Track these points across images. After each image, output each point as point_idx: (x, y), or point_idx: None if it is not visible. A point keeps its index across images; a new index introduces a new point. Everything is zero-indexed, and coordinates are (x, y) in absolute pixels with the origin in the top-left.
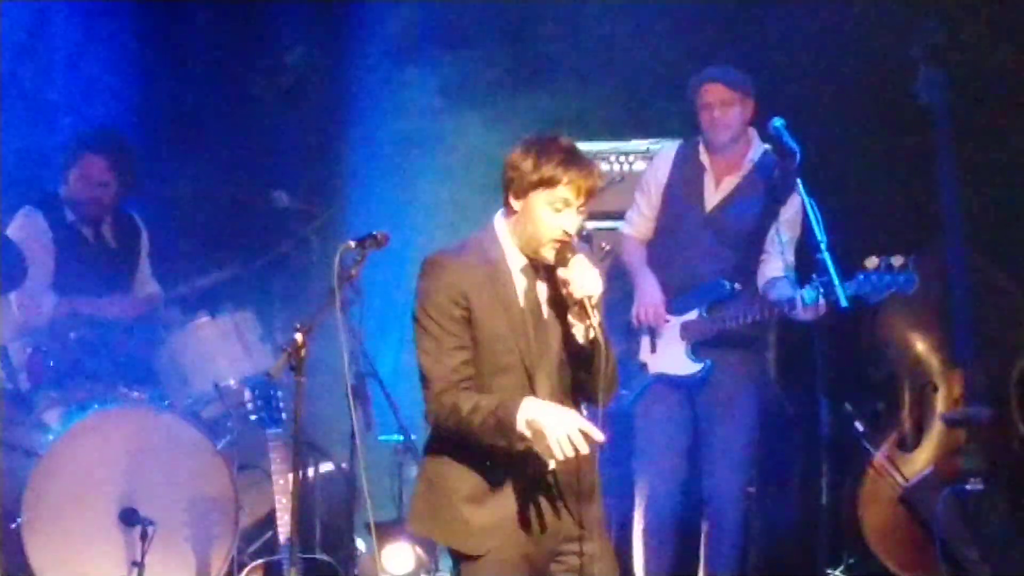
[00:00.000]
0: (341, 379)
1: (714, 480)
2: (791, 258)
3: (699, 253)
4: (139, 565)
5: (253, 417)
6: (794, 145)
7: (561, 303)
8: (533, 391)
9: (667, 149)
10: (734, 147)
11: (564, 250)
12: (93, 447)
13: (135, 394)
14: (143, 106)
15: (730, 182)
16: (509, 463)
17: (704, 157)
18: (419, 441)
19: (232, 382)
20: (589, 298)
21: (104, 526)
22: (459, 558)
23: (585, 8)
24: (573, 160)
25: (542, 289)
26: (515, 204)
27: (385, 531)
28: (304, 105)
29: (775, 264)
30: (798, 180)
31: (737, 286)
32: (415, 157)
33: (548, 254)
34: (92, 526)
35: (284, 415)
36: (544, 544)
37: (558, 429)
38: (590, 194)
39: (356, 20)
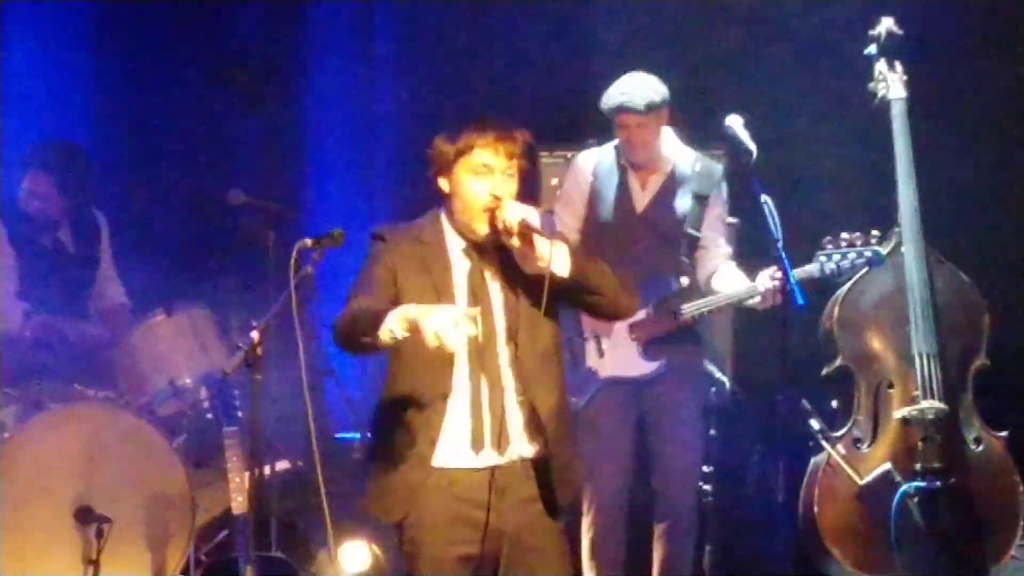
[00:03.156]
0: (297, 377)
1: (665, 480)
2: (729, 248)
3: (638, 255)
4: (94, 563)
5: (209, 415)
6: (750, 143)
7: (511, 278)
8: (449, 371)
9: (583, 157)
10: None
11: (492, 208)
12: (48, 445)
13: (91, 392)
14: (99, 105)
15: (656, 180)
16: (419, 442)
17: (625, 160)
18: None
19: (188, 380)
20: (525, 222)
21: (59, 524)
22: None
23: (549, 7)
24: (488, 124)
25: (491, 268)
26: (444, 185)
27: (342, 529)
28: (262, 103)
29: (713, 254)
30: (755, 177)
31: (684, 280)
32: (373, 155)
33: (481, 224)
34: (47, 524)
35: (240, 413)
36: (483, 544)
37: (434, 321)
38: (512, 155)
39: (315, 18)
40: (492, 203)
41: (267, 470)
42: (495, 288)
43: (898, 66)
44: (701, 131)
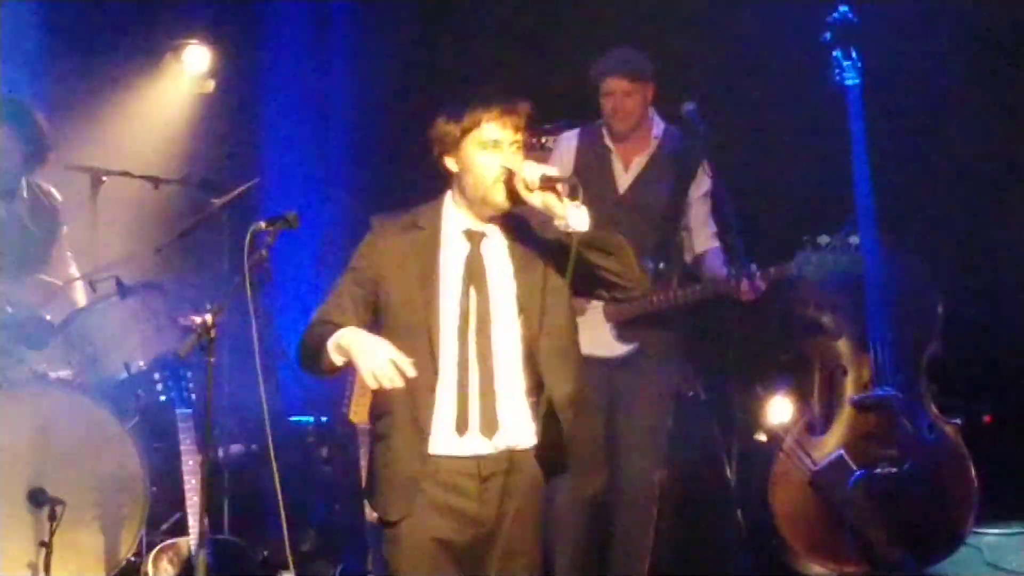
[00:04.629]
0: (251, 360)
1: (628, 463)
2: (715, 227)
3: None
4: (47, 545)
5: (163, 397)
6: (707, 129)
7: (519, 259)
8: (433, 355)
9: (567, 137)
10: (638, 129)
11: (508, 178)
12: (0, 427)
13: (44, 373)
14: (56, 82)
15: (639, 162)
16: (410, 431)
17: (608, 140)
18: (329, 423)
19: (142, 362)
20: (547, 176)
21: (11, 506)
22: (383, 526)
23: None
24: (491, 97)
25: (494, 252)
26: (452, 164)
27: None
28: (216, 81)
29: (700, 239)
30: (708, 164)
31: (662, 265)
32: (328, 136)
33: (498, 194)
34: None
35: (194, 396)
36: (468, 533)
37: (368, 359)
38: (517, 128)
39: None
40: (504, 175)
41: (220, 453)
42: (497, 271)
43: (853, 53)
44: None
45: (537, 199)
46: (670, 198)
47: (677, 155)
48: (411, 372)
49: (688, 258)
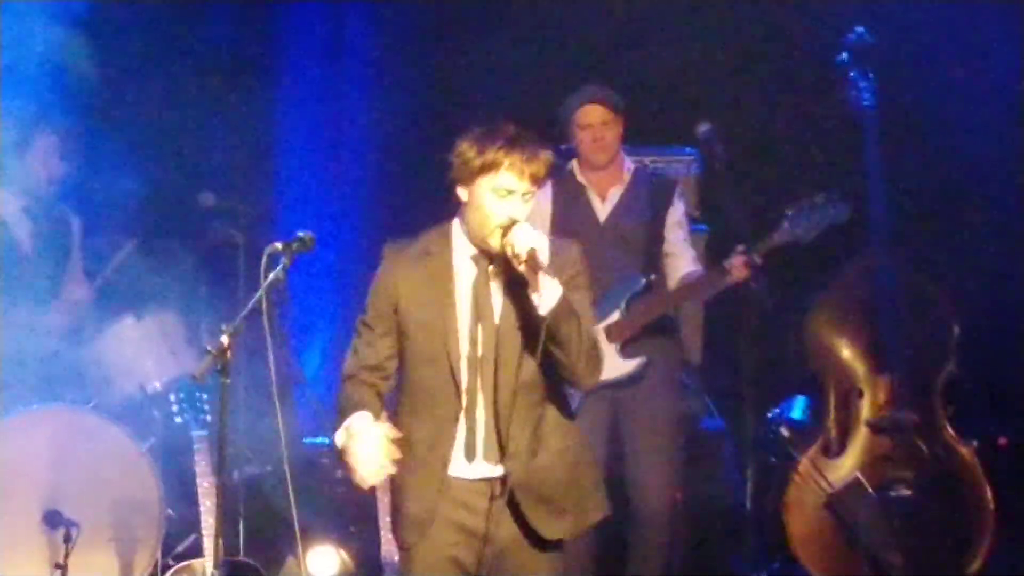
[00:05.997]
0: (267, 382)
1: (640, 490)
2: (694, 251)
3: (602, 264)
4: (62, 567)
5: (178, 419)
6: (723, 150)
7: (516, 291)
8: (456, 382)
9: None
10: (613, 162)
11: (507, 227)
12: (16, 448)
13: (60, 395)
14: (69, 105)
15: (615, 192)
16: (431, 460)
17: (581, 177)
18: None
19: (157, 384)
20: (533, 253)
21: (27, 528)
22: (399, 549)
23: (518, 12)
24: (516, 144)
25: (495, 279)
26: (462, 194)
27: (310, 534)
28: (233, 104)
29: (682, 261)
30: (727, 184)
31: (653, 277)
32: (344, 157)
33: (494, 241)
34: (15, 528)
35: (209, 418)
36: (480, 551)
37: (359, 467)
38: (535, 179)
39: (287, 18)
40: (508, 222)
41: (236, 475)
42: (499, 298)
43: (869, 74)
44: (670, 135)
45: (521, 267)
46: (648, 224)
47: (650, 185)
48: (395, 455)
49: (672, 284)
